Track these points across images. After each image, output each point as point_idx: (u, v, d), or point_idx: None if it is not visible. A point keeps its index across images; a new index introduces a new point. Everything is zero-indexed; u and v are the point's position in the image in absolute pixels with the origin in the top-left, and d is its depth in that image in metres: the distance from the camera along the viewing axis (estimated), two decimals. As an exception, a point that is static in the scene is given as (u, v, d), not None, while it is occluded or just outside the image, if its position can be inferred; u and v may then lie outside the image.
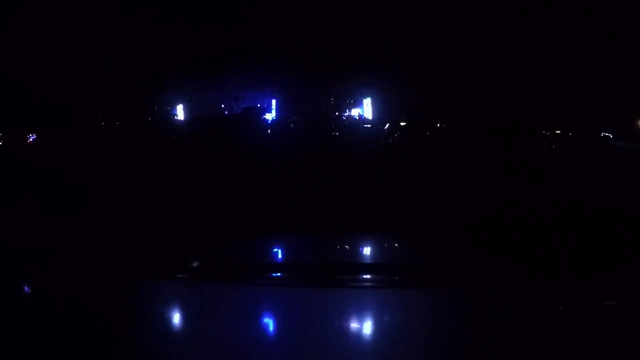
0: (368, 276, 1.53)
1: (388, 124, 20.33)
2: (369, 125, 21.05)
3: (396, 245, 2.21)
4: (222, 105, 24.52)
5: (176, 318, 1.22)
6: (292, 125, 20.71)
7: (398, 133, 18.89)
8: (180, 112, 22.63)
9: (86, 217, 4.87)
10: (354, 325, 1.12)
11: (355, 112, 29.84)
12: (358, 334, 1.08)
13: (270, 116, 23.46)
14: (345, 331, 1.09)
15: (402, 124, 19.67)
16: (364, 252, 2.07)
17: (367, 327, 1.12)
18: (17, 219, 4.44)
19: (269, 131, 20.54)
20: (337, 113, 27.96)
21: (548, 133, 17.65)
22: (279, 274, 1.55)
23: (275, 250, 2.08)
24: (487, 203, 6.45)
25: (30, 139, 12.76)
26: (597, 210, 6.07)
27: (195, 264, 1.80)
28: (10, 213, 4.55)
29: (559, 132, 17.64)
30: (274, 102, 26.43)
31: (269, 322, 1.15)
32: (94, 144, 7.56)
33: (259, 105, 24.66)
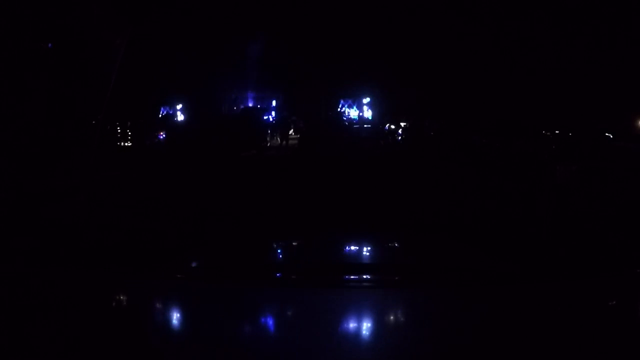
0: (368, 276, 1.53)
1: (388, 124, 20.33)
2: (369, 126, 21.03)
3: (396, 245, 2.22)
4: (222, 106, 24.51)
5: (176, 318, 1.22)
6: (291, 125, 20.70)
7: (399, 133, 18.90)
8: (179, 113, 22.62)
9: (86, 216, 4.87)
10: (353, 325, 1.12)
11: (354, 112, 29.84)
12: (358, 334, 1.08)
13: (270, 117, 23.48)
14: (344, 331, 1.09)
15: (402, 124, 19.66)
16: (364, 252, 2.07)
17: (366, 327, 1.12)
18: (18, 219, 4.43)
19: (268, 131, 20.54)
20: (336, 113, 27.97)
21: (548, 133, 17.67)
22: (279, 274, 1.55)
23: (275, 250, 2.08)
24: (487, 203, 6.46)
25: (160, 137, 12.64)
26: (597, 211, 6.07)
27: (195, 264, 1.80)
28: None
29: (559, 132, 17.66)
30: (273, 102, 26.45)
31: (269, 323, 1.15)
32: (93, 143, 7.56)
33: (258, 105, 24.69)
